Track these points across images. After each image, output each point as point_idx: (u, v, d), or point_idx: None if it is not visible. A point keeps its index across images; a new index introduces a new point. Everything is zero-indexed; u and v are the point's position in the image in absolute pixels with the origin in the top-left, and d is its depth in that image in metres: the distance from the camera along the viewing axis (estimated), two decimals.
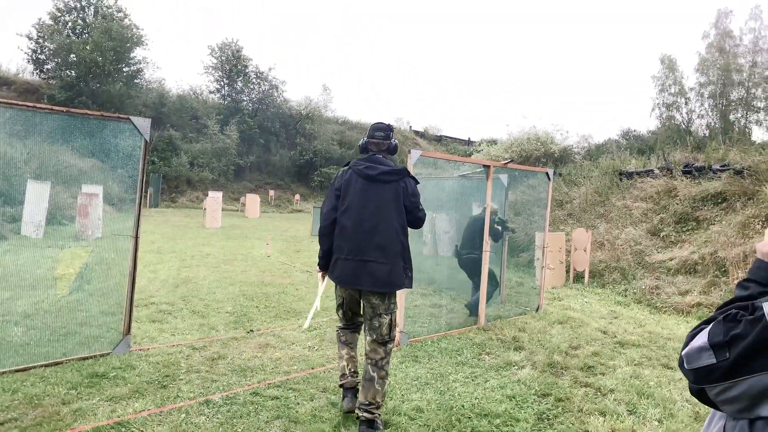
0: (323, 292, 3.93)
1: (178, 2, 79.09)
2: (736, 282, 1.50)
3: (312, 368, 4.49)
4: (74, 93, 25.42)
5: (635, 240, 10.40)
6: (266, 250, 12.27)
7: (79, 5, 27.00)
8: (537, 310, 7.24)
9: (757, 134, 23.13)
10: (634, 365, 5.02)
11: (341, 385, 3.65)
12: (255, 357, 4.71)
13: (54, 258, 8.01)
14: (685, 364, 1.15)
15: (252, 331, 5.58)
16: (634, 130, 25.14)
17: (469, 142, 42.52)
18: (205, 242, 13.38)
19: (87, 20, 26.99)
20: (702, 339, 1.12)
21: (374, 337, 3.40)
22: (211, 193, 19.56)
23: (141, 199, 4.65)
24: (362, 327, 3.64)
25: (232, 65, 33.69)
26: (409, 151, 5.32)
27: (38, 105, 4.25)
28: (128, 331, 4.59)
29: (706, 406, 1.17)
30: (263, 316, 6.30)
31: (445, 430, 3.43)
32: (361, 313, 3.57)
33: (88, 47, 25.37)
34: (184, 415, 3.42)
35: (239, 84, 34.28)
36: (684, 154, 13.75)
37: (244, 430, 3.28)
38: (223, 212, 21.06)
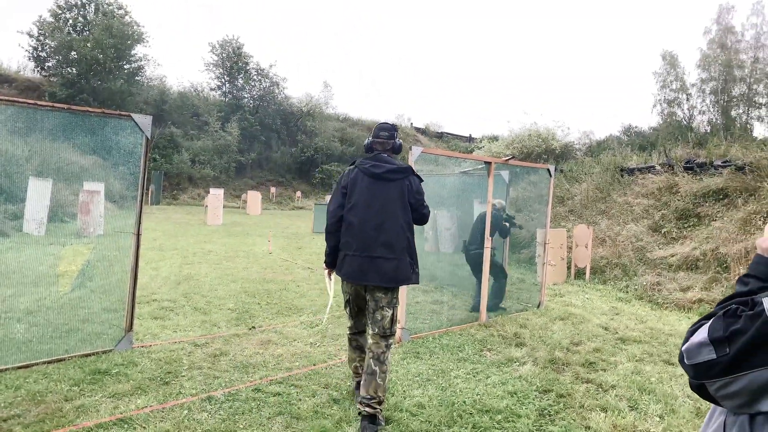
0: (334, 288, 3.98)
1: None
2: (737, 278, 1.50)
3: (314, 365, 4.51)
4: (75, 90, 25.45)
5: (636, 236, 10.40)
6: (268, 247, 12.28)
7: (79, 2, 27.01)
8: (538, 306, 7.25)
9: (759, 130, 23.06)
10: (636, 361, 5.03)
11: (358, 383, 3.74)
12: (257, 354, 4.72)
13: (56, 255, 8.03)
14: (685, 360, 1.15)
15: (254, 327, 5.59)
16: (636, 127, 25.11)
17: (470, 139, 42.52)
18: (207, 239, 13.39)
19: (88, 17, 27.00)
20: (702, 334, 1.12)
21: (376, 330, 3.46)
22: (212, 191, 19.59)
23: (142, 196, 4.66)
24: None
25: (233, 62, 33.65)
26: (411, 148, 5.31)
27: (39, 102, 4.25)
28: (130, 327, 4.60)
29: (708, 402, 1.18)
30: (265, 312, 6.31)
31: (446, 426, 3.44)
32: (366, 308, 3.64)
33: (89, 44, 25.38)
34: (186, 412, 3.43)
35: (240, 81, 34.25)
36: (685, 150, 13.72)
37: (246, 426, 3.29)
38: (225, 209, 21.08)
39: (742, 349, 1.03)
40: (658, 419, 3.71)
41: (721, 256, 8.49)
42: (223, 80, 34.48)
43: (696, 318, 6.17)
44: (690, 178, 11.22)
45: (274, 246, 12.59)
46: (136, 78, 28.92)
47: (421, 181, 3.72)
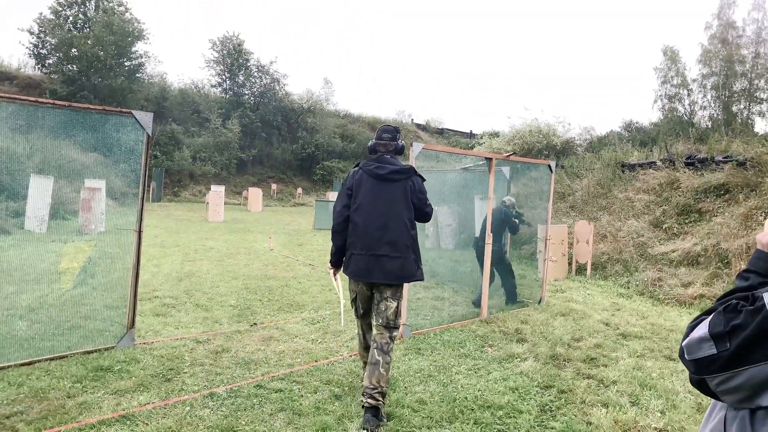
0: (341, 287, 4.08)
1: None
2: (737, 273, 1.49)
3: (315, 361, 4.52)
4: (76, 87, 25.43)
5: (638, 232, 10.39)
6: (269, 243, 12.29)
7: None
8: (539, 302, 7.26)
9: (760, 125, 23.01)
10: (637, 357, 5.03)
11: None
12: (258, 350, 4.73)
13: (57, 252, 8.04)
14: (685, 355, 1.15)
15: (255, 324, 5.60)
16: (637, 122, 25.05)
17: (471, 135, 42.42)
18: (208, 236, 13.41)
19: (88, 14, 26.96)
20: (702, 330, 1.12)
21: (380, 321, 3.56)
22: (213, 187, 19.59)
23: (144, 193, 4.66)
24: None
25: (233, 59, 33.56)
26: (411, 145, 5.31)
27: (40, 100, 4.25)
28: (132, 324, 4.61)
29: (709, 397, 1.18)
30: (266, 309, 6.32)
31: (448, 422, 3.44)
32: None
33: (89, 42, 25.36)
34: (188, 408, 3.44)
35: (241, 78, 34.18)
36: (686, 146, 13.72)
37: (248, 422, 3.30)
38: (226, 206, 21.09)
39: (742, 344, 1.03)
40: (659, 415, 3.72)
41: (722, 252, 8.49)
42: (223, 77, 34.41)
43: (697, 313, 6.19)
44: (691, 174, 11.20)
45: (275, 243, 12.60)
46: (137, 75, 28.87)
47: (423, 180, 3.84)
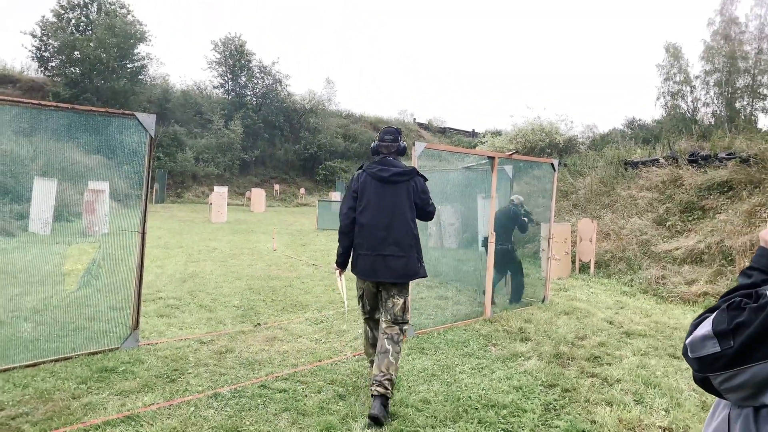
0: (345, 288, 4.14)
1: None
2: (740, 271, 1.49)
3: (319, 360, 4.52)
4: (79, 90, 25.51)
5: (641, 230, 10.37)
6: (272, 244, 12.30)
7: (82, 2, 27.08)
8: (543, 301, 7.25)
9: (764, 122, 22.97)
10: (641, 355, 5.02)
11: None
12: (262, 350, 4.74)
13: (61, 254, 8.06)
14: (689, 353, 1.15)
15: (259, 324, 5.61)
16: (639, 120, 25.02)
17: (473, 134, 42.39)
18: (212, 237, 13.43)
19: (90, 17, 27.07)
20: (706, 327, 1.12)
21: (388, 317, 3.68)
22: (216, 188, 19.63)
23: (147, 194, 4.68)
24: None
25: (235, 60, 33.61)
26: (414, 144, 5.30)
27: (43, 102, 4.26)
28: (136, 325, 4.63)
29: (713, 396, 1.18)
30: (270, 309, 6.33)
31: (452, 422, 3.45)
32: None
33: (91, 44, 25.45)
34: (193, 409, 3.45)
35: (243, 79, 34.22)
36: (689, 143, 13.66)
37: (252, 422, 3.31)
38: (229, 207, 21.13)
39: (746, 341, 1.03)
40: (663, 413, 3.71)
41: (726, 249, 8.46)
42: (225, 78, 34.48)
43: (701, 311, 6.17)
44: (694, 171, 11.17)
45: (278, 243, 12.61)
46: (140, 77, 28.95)
47: (426, 180, 3.92)
